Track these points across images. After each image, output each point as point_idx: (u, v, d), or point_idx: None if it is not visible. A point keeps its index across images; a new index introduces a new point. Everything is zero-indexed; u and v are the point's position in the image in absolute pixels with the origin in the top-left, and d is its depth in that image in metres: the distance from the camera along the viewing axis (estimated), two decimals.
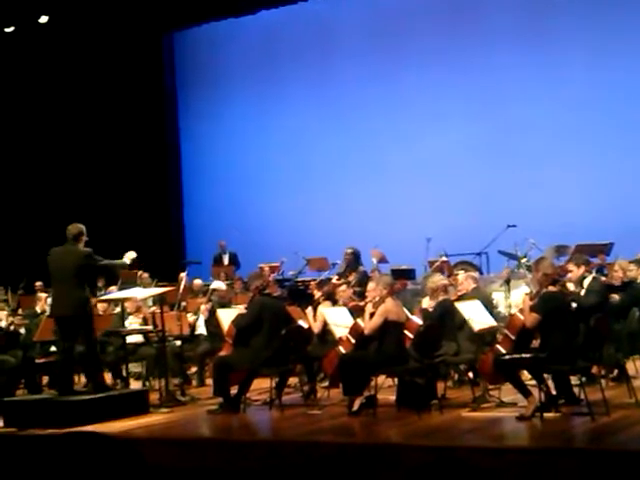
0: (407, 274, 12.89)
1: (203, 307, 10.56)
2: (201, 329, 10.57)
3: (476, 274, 10.56)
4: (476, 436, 6.73)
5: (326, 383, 9.08)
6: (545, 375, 7.28)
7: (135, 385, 10.25)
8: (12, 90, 16.97)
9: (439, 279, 8.83)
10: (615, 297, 8.64)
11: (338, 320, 8.77)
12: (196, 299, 11.37)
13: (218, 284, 11.44)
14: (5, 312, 10.76)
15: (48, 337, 9.52)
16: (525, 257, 12.00)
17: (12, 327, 10.36)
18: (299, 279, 13.62)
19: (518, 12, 15.30)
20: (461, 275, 9.42)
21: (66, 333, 8.48)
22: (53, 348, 9.59)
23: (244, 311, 8.78)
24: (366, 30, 16.49)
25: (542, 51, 15.00)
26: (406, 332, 8.05)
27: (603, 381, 7.74)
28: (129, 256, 8.83)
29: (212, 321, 10.11)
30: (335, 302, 9.69)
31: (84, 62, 17.23)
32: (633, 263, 8.94)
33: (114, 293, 11.25)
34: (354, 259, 12.46)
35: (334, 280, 11.99)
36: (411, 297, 11.08)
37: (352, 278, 11.54)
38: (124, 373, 9.84)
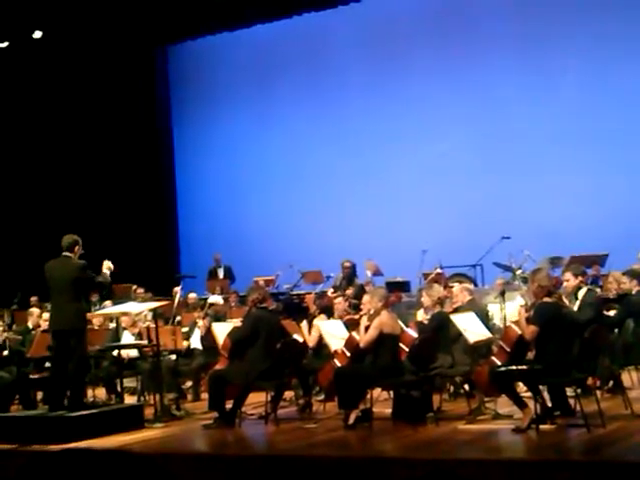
0: (402, 287, 12.91)
1: (201, 322, 10.47)
2: (195, 344, 10.53)
3: (471, 286, 10.57)
4: (472, 448, 6.70)
5: (322, 396, 9.06)
6: (540, 387, 7.27)
7: (130, 400, 10.21)
8: (6, 105, 16.98)
9: (440, 291, 8.78)
10: (611, 310, 8.64)
11: (333, 332, 8.76)
12: (191, 313, 11.34)
13: (215, 298, 11.42)
14: None
15: (42, 353, 9.47)
16: (520, 269, 12.00)
17: (7, 342, 10.33)
18: (294, 292, 13.62)
19: (512, 22, 15.35)
20: (456, 287, 9.41)
21: (62, 348, 8.30)
22: (47, 364, 9.54)
23: (240, 324, 8.77)
24: (361, 42, 16.55)
25: (536, 63, 15.05)
26: (401, 345, 8.05)
27: (598, 392, 7.72)
28: (106, 265, 8.57)
29: (207, 335, 10.07)
30: (331, 315, 9.67)
31: (78, 76, 17.25)
32: (626, 275, 8.93)
33: (109, 308, 11.24)
34: (352, 272, 12.47)
35: (329, 293, 12.00)
36: (406, 310, 11.08)
37: (350, 292, 11.52)
38: (119, 388, 9.80)
